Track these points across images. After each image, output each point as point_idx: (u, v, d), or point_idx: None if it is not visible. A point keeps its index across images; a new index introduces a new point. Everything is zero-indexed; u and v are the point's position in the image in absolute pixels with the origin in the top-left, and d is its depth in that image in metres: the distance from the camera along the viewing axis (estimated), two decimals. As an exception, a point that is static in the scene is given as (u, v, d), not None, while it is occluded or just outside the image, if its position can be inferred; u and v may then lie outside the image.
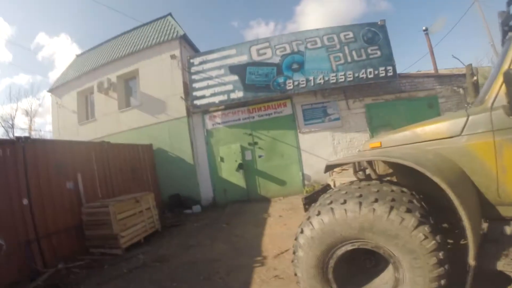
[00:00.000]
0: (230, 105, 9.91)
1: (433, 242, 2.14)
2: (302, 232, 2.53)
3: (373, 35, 9.24)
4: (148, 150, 10.09)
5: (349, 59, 9.16)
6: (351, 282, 2.63)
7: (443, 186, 2.09)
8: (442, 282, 2.19)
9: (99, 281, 4.36)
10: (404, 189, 2.46)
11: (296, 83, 9.29)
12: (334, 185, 4.32)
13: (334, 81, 9.13)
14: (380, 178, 3.08)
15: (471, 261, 2.07)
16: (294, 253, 2.61)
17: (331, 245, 2.43)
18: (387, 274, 2.57)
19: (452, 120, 2.50)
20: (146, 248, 5.76)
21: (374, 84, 9.31)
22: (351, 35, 9.24)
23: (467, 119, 2.38)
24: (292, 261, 2.66)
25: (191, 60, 10.17)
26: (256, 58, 9.59)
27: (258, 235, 5.57)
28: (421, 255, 2.17)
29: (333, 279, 2.52)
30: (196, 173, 10.09)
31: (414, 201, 2.34)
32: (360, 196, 2.37)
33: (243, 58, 9.69)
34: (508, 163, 2.23)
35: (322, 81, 9.16)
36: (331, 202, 2.46)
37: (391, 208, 2.21)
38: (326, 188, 4.23)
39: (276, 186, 9.71)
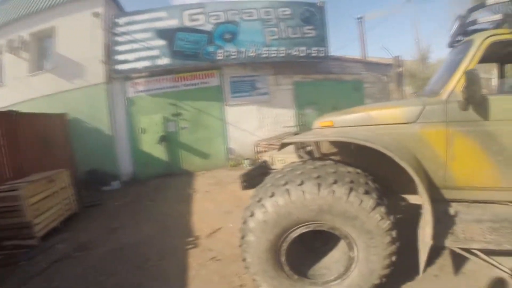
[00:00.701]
0: (155, 72, 9.05)
1: (388, 222, 2.27)
2: (252, 215, 2.39)
3: (310, 14, 9.28)
4: (62, 120, 8.72)
5: (283, 35, 9.09)
6: (301, 263, 2.64)
7: (410, 171, 2.20)
8: (393, 258, 2.37)
9: (17, 283, 3.56)
10: (359, 171, 2.49)
11: (227, 53, 8.90)
12: (272, 162, 4.23)
13: (266, 55, 9.01)
14: (324, 157, 3.14)
15: (429, 240, 2.22)
16: (242, 237, 2.48)
17: (286, 228, 2.37)
18: (337, 253, 2.68)
19: (408, 107, 2.61)
20: (65, 235, 4.97)
21: (304, 62, 9.49)
22: (289, 12, 9.14)
23: (424, 108, 2.52)
24: (240, 246, 2.53)
25: (116, 20, 8.93)
26: (187, 23, 8.84)
27: (186, 212, 5.29)
28: (377, 235, 2.28)
29: (286, 261, 2.49)
30: (114, 146, 9.11)
31: (370, 182, 2.41)
32: (318, 177, 2.31)
33: (173, 22, 8.84)
34: (456, 152, 2.45)
35: (254, 54, 8.95)
36: (286, 183, 2.35)
37: (351, 189, 2.23)
38: (263, 164, 4.14)
39: (200, 160, 9.42)
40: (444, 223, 2.43)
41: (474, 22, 2.88)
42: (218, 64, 9.15)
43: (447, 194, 2.57)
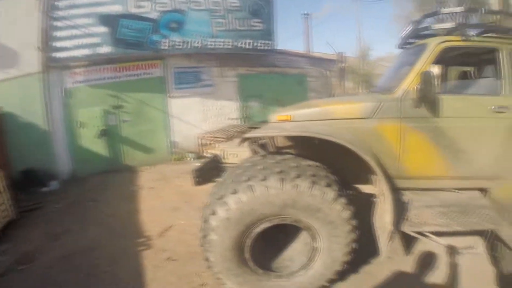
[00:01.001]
0: (95, 61, 8.22)
1: (349, 212, 2.42)
2: (214, 213, 2.37)
3: (259, 7, 9.20)
4: (-7, 114, 7.42)
5: (231, 27, 8.89)
6: (265, 257, 2.69)
7: (372, 164, 2.38)
8: (354, 245, 2.54)
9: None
10: (318, 164, 2.60)
11: (172, 43, 8.45)
12: (224, 156, 4.18)
13: (212, 46, 8.77)
14: (279, 150, 3.20)
15: (389, 226, 2.43)
16: (204, 237, 2.44)
17: (249, 224, 2.38)
18: (299, 245, 2.78)
19: (365, 103, 2.77)
20: (5, 246, 4.29)
21: (250, 55, 9.44)
22: (237, 3, 8.95)
23: (380, 105, 2.69)
24: (202, 246, 2.51)
25: (55, 3, 7.84)
26: (132, 10, 8.14)
27: (133, 211, 5.00)
28: (339, 225, 2.42)
29: (250, 257, 2.51)
30: (51, 142, 8.09)
31: (329, 175, 2.52)
32: (281, 171, 2.35)
33: (117, 8, 8.06)
34: (409, 145, 2.68)
35: (199, 45, 8.64)
36: (248, 179, 2.35)
37: (313, 183, 2.32)
38: (215, 159, 4.12)
39: (142, 154, 8.92)
40: (399, 210, 2.64)
41: (428, 28, 3.12)
42: (162, 54, 8.68)
43: (401, 183, 2.79)
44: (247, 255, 2.49)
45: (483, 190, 2.99)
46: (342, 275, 2.79)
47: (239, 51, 9.10)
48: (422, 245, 3.23)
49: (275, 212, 2.37)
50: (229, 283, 2.58)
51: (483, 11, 3.20)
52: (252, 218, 2.37)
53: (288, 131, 2.74)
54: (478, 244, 2.93)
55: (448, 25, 2.90)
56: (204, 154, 8.35)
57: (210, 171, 4.33)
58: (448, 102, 2.70)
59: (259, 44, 9.21)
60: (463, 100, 2.82)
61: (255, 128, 3.75)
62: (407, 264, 3.20)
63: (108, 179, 7.44)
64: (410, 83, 2.70)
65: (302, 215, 2.40)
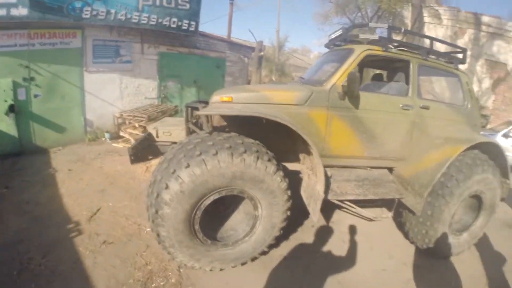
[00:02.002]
0: (6, 25, 6.91)
1: (286, 183, 2.81)
2: (167, 187, 2.48)
3: None
4: None
5: (157, 3, 8.40)
6: (210, 228, 2.91)
7: (310, 142, 2.76)
8: (288, 213, 2.98)
9: None
10: (258, 142, 2.86)
11: (95, 12, 7.61)
12: (157, 135, 4.23)
13: (137, 21, 8.21)
14: (215, 129, 3.35)
15: (321, 193, 2.86)
16: (156, 212, 2.54)
17: (201, 196, 2.56)
18: (239, 215, 3.09)
19: (300, 92, 3.15)
20: None
21: (173, 34, 9.16)
22: (168, -22, 8.45)
23: (311, 94, 3.12)
24: (153, 221, 2.60)
25: None
26: None
27: (54, 197, 4.62)
28: (278, 194, 2.78)
29: (200, 229, 2.71)
30: None
31: (268, 151, 2.83)
32: (230, 147, 2.57)
33: None
34: (333, 130, 3.21)
35: (123, 17, 8.00)
36: (200, 154, 2.51)
37: (257, 157, 2.62)
38: (148, 137, 4.20)
39: (54, 134, 8.01)
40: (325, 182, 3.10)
41: (357, 36, 3.69)
42: (82, 23, 7.79)
43: (325, 161, 3.24)
44: (197, 226, 2.68)
45: (390, 169, 3.76)
46: (277, 240, 3.20)
47: (163, 28, 8.72)
48: (339, 215, 3.95)
49: (225, 183, 2.59)
50: (181, 256, 2.75)
51: (402, 30, 3.89)
52: (204, 190, 2.54)
53: (237, 111, 2.85)
54: (387, 212, 3.73)
55: (373, 36, 3.49)
56: (121, 134, 8.02)
57: (144, 149, 4.37)
58: (367, 98, 3.32)
59: (183, 24, 8.96)
60: (379, 97, 3.48)
61: (192, 107, 3.89)
62: (328, 231, 3.86)
63: (18, 162, 6.58)
64: (337, 79, 3.24)
65: (248, 186, 2.69)
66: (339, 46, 4.11)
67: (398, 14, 15.02)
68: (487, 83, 13.16)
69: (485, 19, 13.19)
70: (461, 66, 4.05)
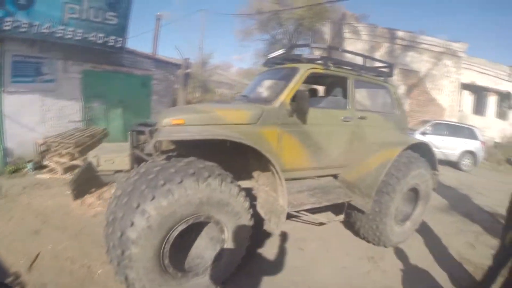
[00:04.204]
0: None
1: (247, 202, 2.84)
2: (132, 224, 2.29)
3: (117, 1, 8.36)
4: None
5: (84, 16, 7.74)
6: (176, 259, 2.74)
7: (271, 160, 2.86)
8: (252, 231, 2.97)
9: None
10: (215, 164, 2.85)
11: (16, 24, 6.73)
12: (98, 163, 3.92)
13: (61, 35, 7.45)
14: (165, 153, 3.29)
15: (286, 207, 2.99)
16: (122, 253, 2.32)
17: (169, 228, 2.43)
18: (203, 241, 2.97)
19: (251, 111, 3.23)
20: None
21: (98, 50, 8.47)
22: (96, -10, 7.81)
23: (262, 113, 3.23)
24: (119, 264, 2.37)
25: None
26: None
27: (-18, 243, 3.81)
28: (242, 214, 2.79)
29: (170, 263, 2.56)
30: None
31: (228, 173, 2.84)
32: (194, 173, 2.52)
33: None
34: (284, 145, 3.35)
35: (47, 30, 7.19)
36: (165, 183, 2.39)
37: (221, 180, 2.60)
38: (88, 167, 3.90)
39: (-33, 166, 6.70)
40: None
41: (300, 55, 3.92)
42: (2, 36, 6.84)
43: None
44: (166, 261, 2.52)
45: (334, 176, 4.08)
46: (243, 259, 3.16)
47: (89, 44, 8.05)
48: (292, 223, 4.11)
49: (192, 211, 2.50)
50: None
51: (340, 49, 4.28)
52: (172, 222, 2.41)
53: (213, 134, 2.80)
54: (333, 215, 4.05)
55: (315, 56, 3.80)
56: (46, 163, 7.09)
57: (86, 181, 4.06)
58: (312, 113, 3.53)
59: (110, 40, 8.42)
60: (322, 112, 3.76)
61: (137, 130, 3.64)
62: (285, 241, 4.03)
63: None
64: (285, 97, 3.40)
65: (214, 210, 2.62)
66: (280, 64, 4.33)
67: (318, 30, 16.23)
68: (402, 89, 15.05)
69: (399, 33, 15.30)
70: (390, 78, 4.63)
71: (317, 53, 3.99)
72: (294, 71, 3.65)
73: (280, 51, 4.15)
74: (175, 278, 2.63)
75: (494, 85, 17.59)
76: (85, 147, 6.75)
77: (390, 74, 4.57)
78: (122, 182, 2.68)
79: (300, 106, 3.26)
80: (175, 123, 2.97)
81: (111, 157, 3.90)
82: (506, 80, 17.95)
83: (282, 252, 3.78)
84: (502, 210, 4.16)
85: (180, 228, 2.51)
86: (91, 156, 3.99)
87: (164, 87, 11.17)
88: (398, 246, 4.19)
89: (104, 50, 8.52)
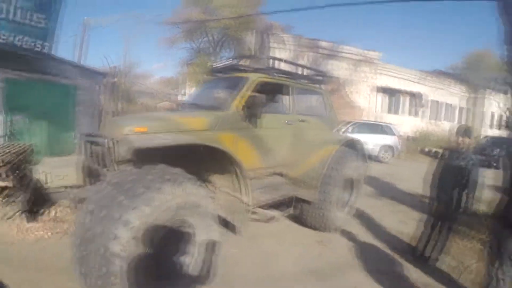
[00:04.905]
0: None
1: (214, 201, 3.02)
2: (115, 237, 2.16)
3: (47, 2, 7.72)
4: None
5: (11, 16, 7.02)
6: (157, 269, 2.67)
7: (238, 161, 3.09)
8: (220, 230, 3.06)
9: None
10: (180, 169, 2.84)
11: None
12: (46, 180, 3.79)
13: None
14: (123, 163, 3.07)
15: (251, 204, 3.28)
16: (107, 271, 2.16)
17: (152, 237, 2.38)
18: (177, 246, 2.88)
19: (209, 117, 3.49)
20: None
21: (23, 56, 7.65)
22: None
23: (219, 119, 3.50)
24: (104, 284, 2.20)
25: None
26: None
27: None
28: (212, 215, 2.91)
29: (155, 274, 2.51)
30: None
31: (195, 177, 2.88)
32: (169, 179, 2.53)
33: None
34: (239, 148, 3.55)
35: None
36: (144, 191, 2.35)
37: (193, 184, 2.71)
38: (37, 185, 3.83)
39: None
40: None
41: (247, 66, 4.35)
42: None
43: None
44: (153, 272, 2.47)
45: (279, 174, 4.51)
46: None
47: (14, 49, 7.24)
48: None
49: (171, 217, 2.50)
50: None
51: (283, 60, 4.79)
52: (154, 230, 2.37)
53: (185, 140, 2.89)
54: (286, 209, 4.49)
55: (261, 66, 4.24)
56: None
57: (37, 200, 3.94)
58: (261, 118, 3.90)
59: (37, 45, 7.76)
60: (270, 116, 4.15)
61: (92, 141, 3.42)
62: (241, 240, 4.17)
63: None
64: (238, 103, 3.72)
65: (188, 214, 2.67)
66: (225, 73, 4.72)
67: (242, 40, 16.91)
68: (324, 94, 16.46)
69: (322, 43, 16.67)
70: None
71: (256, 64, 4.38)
72: (244, 80, 4.02)
73: (228, 62, 4.51)
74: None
75: (406, 87, 20.41)
76: (13, 166, 6.13)
77: (324, 82, 5.23)
78: (92, 196, 2.54)
79: (254, 111, 3.64)
80: (137, 130, 2.98)
81: (61, 172, 3.76)
82: (417, 83, 21.07)
83: (244, 250, 3.98)
84: (422, 192, 5.02)
85: (159, 236, 2.47)
86: (38, 172, 3.86)
87: (89, 98, 10.28)
88: (342, 229, 4.82)
89: (30, 56, 7.75)
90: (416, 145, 17.74)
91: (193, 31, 17.48)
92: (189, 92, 21.32)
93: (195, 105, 4.30)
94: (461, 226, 4.48)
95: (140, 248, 2.29)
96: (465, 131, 3.80)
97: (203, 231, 2.87)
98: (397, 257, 4.17)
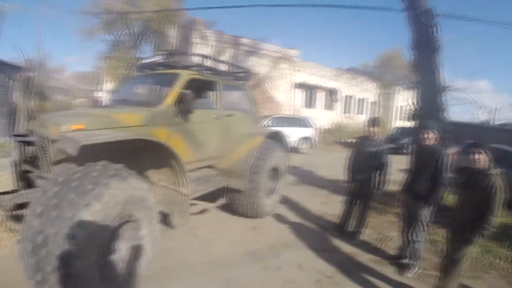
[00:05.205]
0: None
1: (154, 196, 3.06)
2: (73, 237, 2.16)
3: None
4: None
5: None
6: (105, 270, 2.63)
7: (178, 156, 3.23)
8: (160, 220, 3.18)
9: None
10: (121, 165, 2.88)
11: None
12: None
13: None
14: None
15: (190, 195, 3.45)
16: (66, 274, 2.15)
17: (103, 233, 2.39)
18: (123, 243, 2.79)
19: (144, 113, 3.53)
20: None
21: None
22: None
23: (153, 115, 3.57)
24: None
25: None
26: None
27: None
28: (153, 208, 2.99)
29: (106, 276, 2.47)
30: None
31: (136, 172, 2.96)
32: (115, 174, 2.56)
33: None
34: (173, 143, 3.53)
35: None
36: (93, 187, 2.35)
37: (136, 178, 2.77)
38: None
39: None
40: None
41: (178, 62, 4.42)
42: None
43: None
44: (105, 270, 2.44)
45: (209, 166, 4.73)
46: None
47: None
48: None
49: (119, 212, 2.53)
50: None
51: (211, 58, 4.95)
52: (105, 226, 2.38)
53: (128, 136, 2.89)
54: (218, 200, 4.73)
55: (193, 63, 4.39)
56: None
57: None
58: (193, 113, 4.03)
59: None
60: (200, 112, 4.28)
61: (25, 141, 3.27)
62: (181, 232, 4.37)
63: None
64: (171, 100, 3.83)
65: (134, 208, 2.70)
66: (154, 69, 4.73)
67: (164, 33, 16.58)
68: (244, 89, 17.07)
69: (243, 40, 17.10)
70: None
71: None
72: (176, 76, 4.11)
73: (158, 58, 4.54)
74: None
75: (322, 83, 22.16)
76: None
77: (247, 78, 5.57)
78: (38, 198, 2.40)
79: (186, 107, 3.77)
80: (75, 128, 2.89)
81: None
82: (332, 79, 23.06)
83: (181, 243, 4.11)
84: (340, 177, 5.70)
85: (109, 232, 2.48)
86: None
87: (1, 94, 9.47)
88: (272, 214, 5.28)
89: None
90: (331, 136, 19.42)
91: (113, 23, 16.48)
92: (106, 88, 20.02)
93: (126, 101, 4.19)
94: (378, 203, 5.30)
95: (95, 244, 2.30)
96: (374, 121, 4.49)
97: (147, 225, 2.92)
98: (325, 234, 4.78)
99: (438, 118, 5.60)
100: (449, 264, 3.09)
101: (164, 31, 16.06)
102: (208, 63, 4.79)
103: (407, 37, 6.22)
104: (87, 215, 2.23)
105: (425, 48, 5.83)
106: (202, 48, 15.68)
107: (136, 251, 2.84)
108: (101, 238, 2.38)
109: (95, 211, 2.28)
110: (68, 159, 2.84)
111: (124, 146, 2.94)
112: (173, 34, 16.59)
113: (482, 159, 2.84)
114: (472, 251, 3.13)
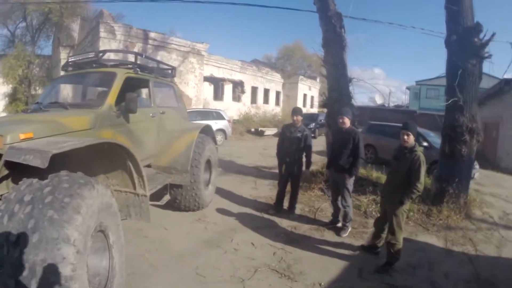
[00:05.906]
0: None
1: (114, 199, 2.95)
2: (62, 259, 1.97)
3: None
4: None
5: None
6: None
7: (134, 153, 3.16)
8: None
9: None
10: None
11: None
12: None
13: None
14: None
15: (147, 194, 3.42)
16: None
17: (86, 245, 2.25)
18: (94, 255, 2.66)
19: (89, 116, 3.37)
20: None
21: None
22: None
23: (97, 117, 3.42)
24: None
25: None
26: None
27: None
28: (118, 214, 2.87)
29: None
30: None
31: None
32: (83, 183, 2.38)
33: None
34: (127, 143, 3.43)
35: None
36: (70, 201, 2.16)
37: (100, 184, 2.62)
38: None
39: None
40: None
41: (111, 61, 4.29)
42: None
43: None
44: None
45: (148, 166, 4.68)
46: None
47: None
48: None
49: (96, 220, 2.41)
50: None
51: (143, 56, 4.84)
52: (87, 238, 2.24)
53: (90, 141, 2.71)
54: (165, 196, 4.79)
55: (129, 62, 4.35)
56: None
57: None
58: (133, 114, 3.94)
59: None
60: (138, 111, 4.15)
61: None
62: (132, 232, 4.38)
63: None
64: (111, 100, 3.71)
65: (103, 215, 2.55)
66: (81, 68, 4.39)
67: (66, 27, 15.00)
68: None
69: (152, 34, 16.44)
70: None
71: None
72: (112, 75, 3.95)
73: (89, 55, 4.27)
74: None
75: (229, 76, 22.83)
76: None
77: (173, 75, 5.64)
78: (6, 224, 2.05)
79: (130, 107, 3.68)
80: (24, 137, 2.57)
81: None
82: (239, 72, 23.90)
83: (133, 244, 3.99)
84: (260, 163, 6.24)
85: (89, 245, 2.32)
86: None
87: None
88: (209, 206, 5.52)
89: None
90: (241, 126, 20.23)
91: (9, 14, 14.02)
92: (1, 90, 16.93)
93: (60, 104, 3.81)
94: (302, 182, 5.96)
95: (84, 260, 2.16)
96: (297, 111, 5.12)
97: (115, 231, 2.79)
98: (264, 214, 5.29)
99: (348, 104, 6.60)
100: (390, 222, 3.69)
101: (66, 24, 14.46)
102: (139, 60, 4.72)
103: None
104: (72, 231, 2.05)
105: (334, 45, 6.78)
106: (110, 43, 14.54)
107: (106, 261, 2.70)
108: (85, 250, 2.22)
109: (78, 225, 2.12)
110: (11, 174, 2.56)
111: (80, 152, 2.74)
112: (76, 28, 15.06)
113: (410, 139, 3.62)
114: (406, 209, 3.80)
